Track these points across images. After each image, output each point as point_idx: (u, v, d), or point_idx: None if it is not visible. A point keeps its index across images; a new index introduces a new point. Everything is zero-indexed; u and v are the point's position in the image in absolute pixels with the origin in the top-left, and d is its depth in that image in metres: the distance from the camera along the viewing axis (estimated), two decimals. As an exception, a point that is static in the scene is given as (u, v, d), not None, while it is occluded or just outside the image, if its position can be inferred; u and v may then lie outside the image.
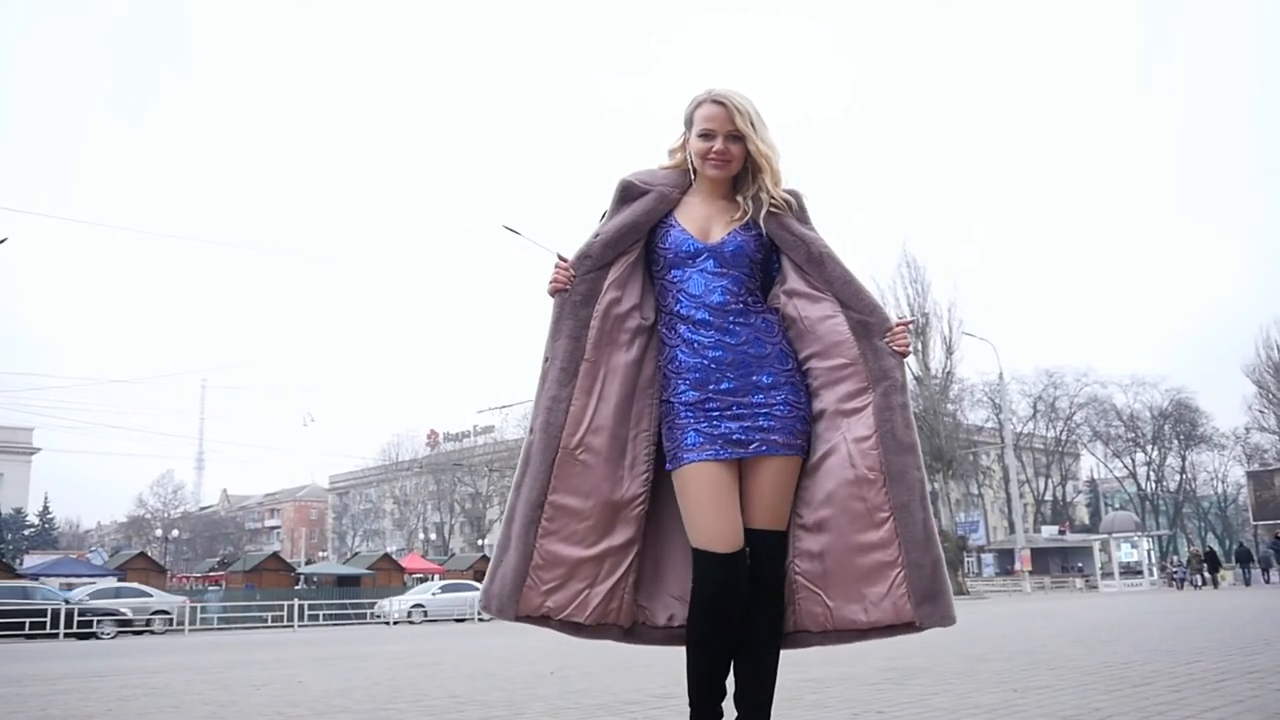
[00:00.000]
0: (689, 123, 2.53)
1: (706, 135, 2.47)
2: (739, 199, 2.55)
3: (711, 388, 2.42)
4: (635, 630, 2.49)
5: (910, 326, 2.69)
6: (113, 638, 22.64)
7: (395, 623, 28.93)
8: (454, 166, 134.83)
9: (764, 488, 2.39)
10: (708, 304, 2.46)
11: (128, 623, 24.73)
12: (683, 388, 2.44)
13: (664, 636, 2.51)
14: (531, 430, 2.49)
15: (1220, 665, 5.46)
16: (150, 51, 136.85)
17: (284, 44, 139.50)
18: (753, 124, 2.45)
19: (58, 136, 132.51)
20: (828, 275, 2.51)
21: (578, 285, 2.53)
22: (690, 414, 2.41)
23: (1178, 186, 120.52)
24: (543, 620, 2.44)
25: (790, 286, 2.52)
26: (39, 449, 64.58)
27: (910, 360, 39.01)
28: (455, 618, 30.22)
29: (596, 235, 2.56)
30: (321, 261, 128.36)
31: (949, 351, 40.09)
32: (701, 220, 2.54)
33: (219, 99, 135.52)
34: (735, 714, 2.39)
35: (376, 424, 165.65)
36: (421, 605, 30.56)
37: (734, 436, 2.39)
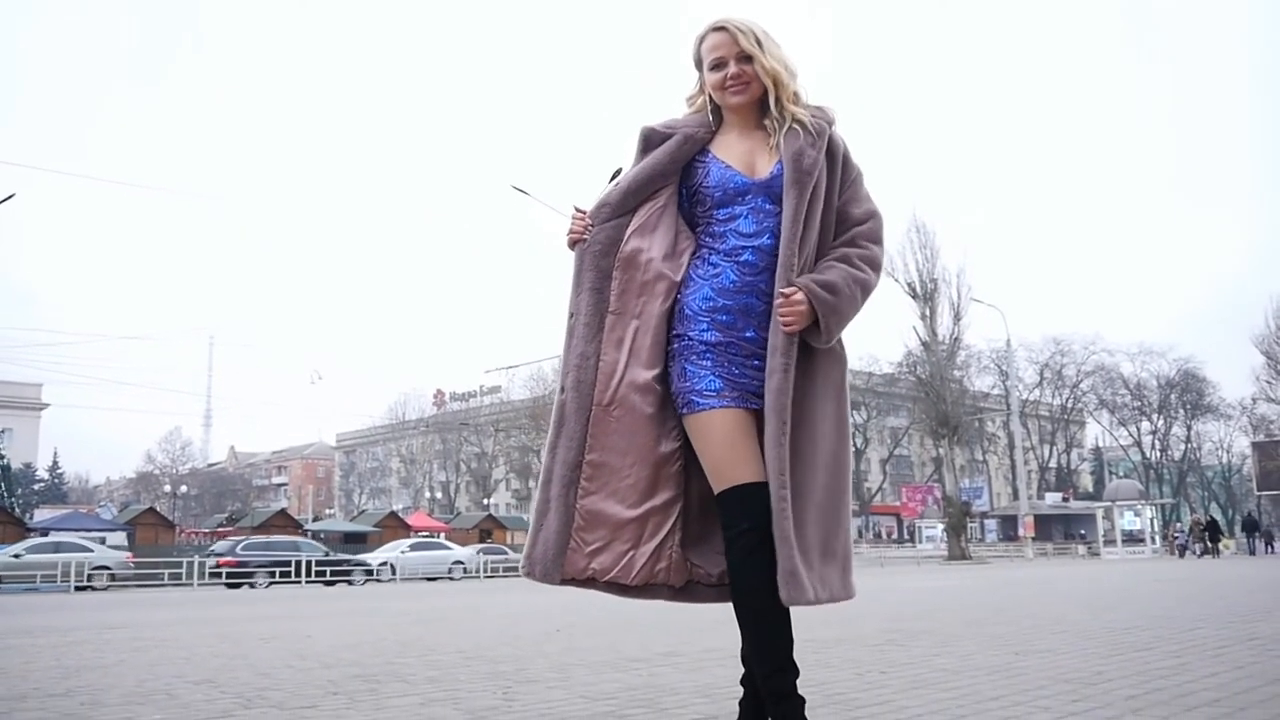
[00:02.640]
0: (699, 62, 2.45)
1: (718, 65, 2.38)
2: (766, 123, 2.43)
3: (736, 333, 2.33)
4: (689, 588, 2.43)
5: (793, 300, 2.28)
6: (362, 584, 26.70)
7: (364, 581, 28.65)
8: (462, 127, 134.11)
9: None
10: (757, 246, 2.35)
11: (370, 571, 28.85)
12: (704, 325, 2.33)
13: (718, 594, 2.43)
14: (563, 389, 2.40)
15: (1222, 632, 5.50)
16: (162, 12, 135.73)
17: (293, 7, 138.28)
18: (759, 43, 2.35)
19: (70, 95, 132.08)
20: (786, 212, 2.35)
21: (596, 235, 2.43)
22: (712, 355, 2.31)
23: (1185, 155, 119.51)
24: (588, 583, 2.37)
25: None
26: (48, 404, 64.97)
27: (917, 325, 39.27)
28: (425, 576, 29.98)
29: (617, 183, 2.47)
30: (331, 218, 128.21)
31: (957, 318, 39.97)
32: (744, 154, 2.42)
33: (232, 59, 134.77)
34: (744, 671, 2.39)
35: (383, 383, 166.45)
36: (389, 563, 30.35)
37: (754, 388, 2.30)
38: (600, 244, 2.42)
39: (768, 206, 2.36)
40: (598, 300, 2.41)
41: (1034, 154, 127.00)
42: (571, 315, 2.43)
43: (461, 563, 31.52)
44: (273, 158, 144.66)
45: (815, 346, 2.33)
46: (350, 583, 27.16)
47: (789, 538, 2.18)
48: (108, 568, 26.11)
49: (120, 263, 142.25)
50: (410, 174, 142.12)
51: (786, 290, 2.26)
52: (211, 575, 26.39)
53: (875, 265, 2.40)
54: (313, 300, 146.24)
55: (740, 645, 2.34)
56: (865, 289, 2.36)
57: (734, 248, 2.36)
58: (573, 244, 2.46)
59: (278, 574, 26.56)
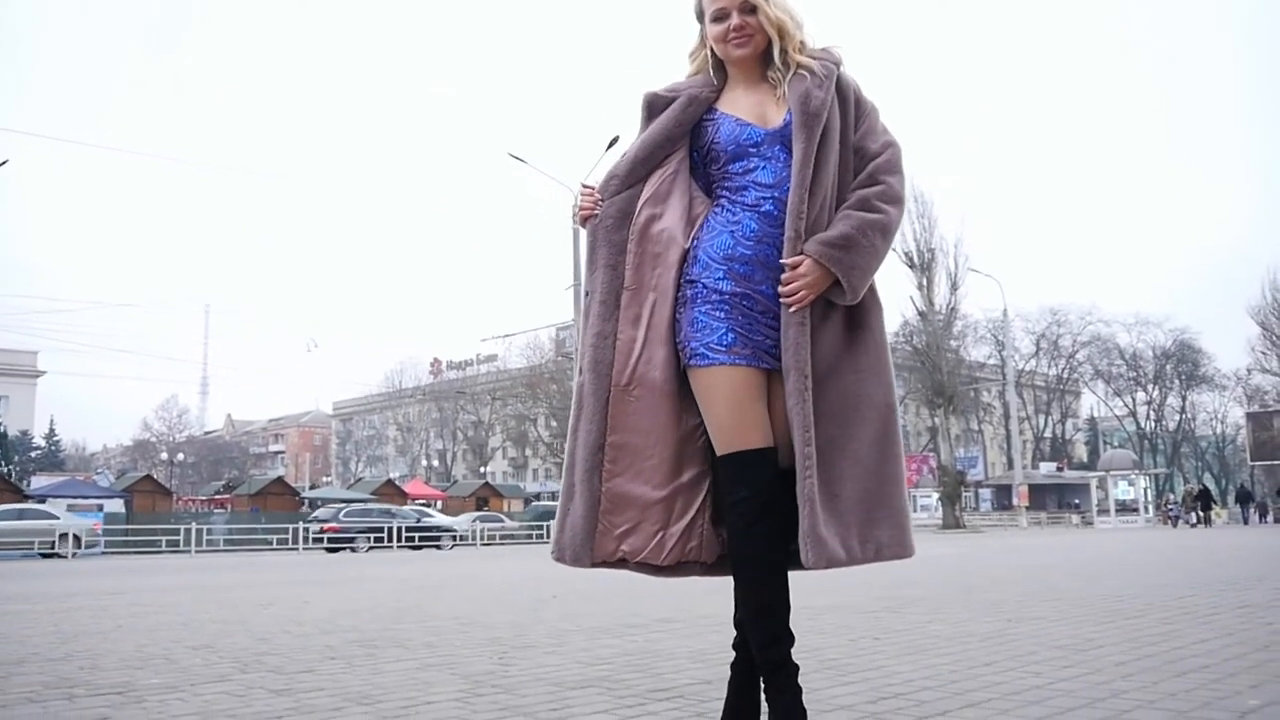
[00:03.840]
0: (700, 14, 2.36)
1: (720, 16, 2.28)
2: (771, 75, 2.32)
3: (753, 285, 2.21)
4: (722, 563, 2.34)
5: (796, 272, 2.17)
6: (450, 548, 28.23)
7: (451, 546, 28.84)
8: (460, 94, 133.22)
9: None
10: (778, 197, 2.23)
11: (463, 537, 30.44)
12: (721, 273, 2.22)
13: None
14: (580, 371, 2.32)
15: (1213, 600, 5.54)
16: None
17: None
18: None
19: (68, 64, 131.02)
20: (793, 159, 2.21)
21: (607, 209, 2.33)
22: (726, 306, 2.20)
23: (1183, 127, 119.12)
24: (619, 564, 2.31)
25: None
26: (44, 372, 64.84)
27: (914, 295, 39.25)
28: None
29: (624, 153, 2.37)
30: (327, 187, 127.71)
31: (954, 287, 39.91)
32: (754, 106, 2.31)
33: (231, 29, 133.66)
34: (737, 636, 2.38)
35: (380, 351, 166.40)
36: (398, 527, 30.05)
37: (768, 346, 2.21)
38: (612, 218, 2.33)
39: (785, 155, 2.26)
40: (612, 276, 2.31)
41: (1031, 124, 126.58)
42: (587, 294, 2.34)
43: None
44: (270, 126, 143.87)
45: (842, 304, 2.24)
46: (439, 547, 28.71)
47: (812, 498, 2.12)
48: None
49: (116, 230, 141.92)
50: (407, 142, 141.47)
51: (790, 260, 2.17)
52: (314, 540, 28.00)
53: (894, 199, 2.28)
54: (309, 268, 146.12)
55: (734, 609, 2.33)
56: (886, 230, 2.25)
57: (755, 200, 2.26)
58: (584, 221, 2.36)
59: (373, 539, 28.31)
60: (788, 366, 2.17)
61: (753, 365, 2.19)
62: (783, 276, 2.18)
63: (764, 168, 2.26)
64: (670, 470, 2.27)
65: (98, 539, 26.61)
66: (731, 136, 2.29)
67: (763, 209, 2.24)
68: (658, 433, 2.27)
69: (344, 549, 27.09)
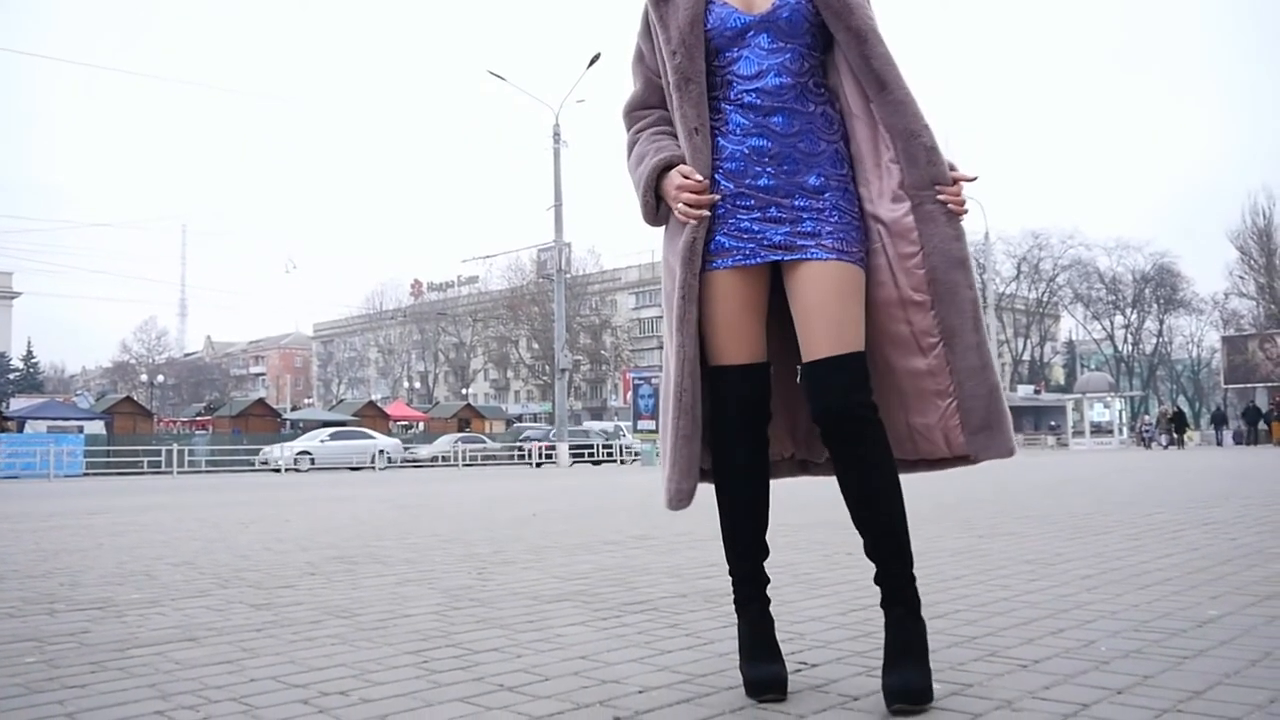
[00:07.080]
0: None
1: None
2: None
3: (748, 181, 2.07)
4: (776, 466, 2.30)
5: (964, 175, 2.13)
6: (598, 464, 31.58)
7: (285, 470, 27.93)
8: (441, 11, 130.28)
9: (825, 299, 2.03)
10: (761, 88, 2.09)
11: (637, 454, 32.32)
12: (714, 177, 2.10)
13: (790, 468, 2.34)
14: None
15: (1179, 517, 5.66)
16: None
17: None
18: None
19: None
20: (866, 54, 2.09)
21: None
22: (720, 209, 2.08)
23: (1166, 49, 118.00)
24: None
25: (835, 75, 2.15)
26: (20, 293, 64.14)
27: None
28: (350, 465, 29.31)
29: (683, 60, 2.13)
30: (304, 105, 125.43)
31: (936, 210, 39.82)
32: None
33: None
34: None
35: (360, 272, 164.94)
36: (308, 453, 29.49)
37: (769, 240, 2.05)
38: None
39: (770, 44, 2.11)
40: None
41: (1016, 44, 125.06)
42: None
43: (385, 452, 30.54)
44: (247, 44, 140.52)
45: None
46: (623, 462, 32.66)
47: (998, 388, 2.08)
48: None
49: (92, 148, 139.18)
50: (386, 59, 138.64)
51: (959, 174, 2.11)
52: (542, 459, 31.81)
53: None
54: (286, 188, 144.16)
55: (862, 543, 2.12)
56: None
57: (736, 94, 2.12)
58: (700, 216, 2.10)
59: (585, 456, 32.44)
60: (952, 256, 2.08)
61: (746, 264, 2.08)
62: (954, 186, 2.11)
63: (745, 58, 2.11)
64: None
65: None
66: (717, 25, 2.13)
67: (746, 100, 2.11)
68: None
69: (552, 463, 30.33)
